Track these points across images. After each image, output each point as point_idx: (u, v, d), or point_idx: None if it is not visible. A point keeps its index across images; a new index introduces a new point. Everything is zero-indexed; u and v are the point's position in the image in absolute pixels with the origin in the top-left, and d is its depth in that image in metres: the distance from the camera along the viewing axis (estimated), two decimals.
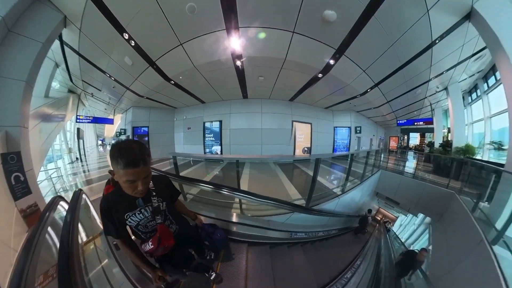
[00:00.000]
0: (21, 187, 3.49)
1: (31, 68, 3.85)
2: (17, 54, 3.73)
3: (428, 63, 7.06)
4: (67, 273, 1.10)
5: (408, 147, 19.04)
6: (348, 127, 14.89)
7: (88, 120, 12.61)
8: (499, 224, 3.48)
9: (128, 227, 1.40)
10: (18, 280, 1.03)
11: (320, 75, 7.63)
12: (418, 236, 10.25)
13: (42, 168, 7.18)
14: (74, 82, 9.31)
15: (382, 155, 10.94)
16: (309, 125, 13.66)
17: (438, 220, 6.27)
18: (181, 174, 5.72)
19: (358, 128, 15.05)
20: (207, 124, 13.27)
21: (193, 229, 2.03)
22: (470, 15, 4.82)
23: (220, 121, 12.81)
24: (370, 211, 9.04)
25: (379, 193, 9.47)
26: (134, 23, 4.98)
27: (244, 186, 6.50)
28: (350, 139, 14.93)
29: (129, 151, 1.08)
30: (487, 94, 9.49)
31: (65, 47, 6.19)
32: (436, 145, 11.32)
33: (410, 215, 12.62)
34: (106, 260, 2.17)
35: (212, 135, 13.21)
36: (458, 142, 8.69)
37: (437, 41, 5.71)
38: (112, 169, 1.16)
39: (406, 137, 19.90)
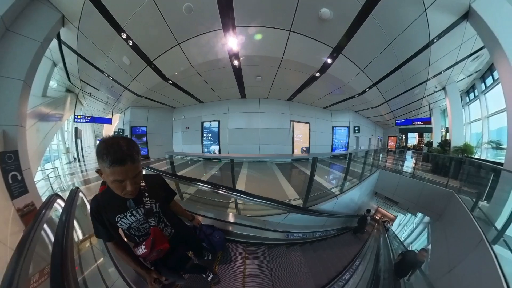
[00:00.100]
0: (18, 186, 3.49)
1: (29, 67, 3.87)
2: (15, 53, 3.75)
3: (426, 63, 7.08)
4: (59, 273, 1.08)
5: (407, 147, 19.08)
6: (347, 126, 14.89)
7: (86, 120, 12.56)
8: (498, 223, 3.47)
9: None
10: (10, 278, 1.02)
11: (317, 74, 7.63)
12: (417, 235, 10.28)
13: (39, 168, 7.17)
14: (72, 81, 9.27)
15: (381, 155, 10.97)
16: (308, 124, 13.65)
17: (437, 220, 6.27)
18: (178, 174, 5.70)
19: (356, 128, 15.07)
20: (206, 124, 13.25)
21: (190, 231, 1.96)
22: (467, 15, 4.83)
23: (218, 121, 12.79)
24: (369, 211, 9.05)
25: (378, 192, 9.48)
26: (131, 22, 4.99)
27: (241, 185, 6.52)
28: (348, 138, 14.93)
29: (116, 148, 0.99)
30: (484, 94, 9.55)
31: (63, 46, 6.18)
32: (435, 144, 11.35)
33: (409, 215, 12.66)
34: (102, 259, 2.15)
35: (210, 135, 13.19)
36: (456, 142, 8.74)
37: (435, 41, 5.72)
38: (100, 168, 1.05)
39: (404, 136, 19.93)
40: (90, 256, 2.16)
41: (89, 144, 21.65)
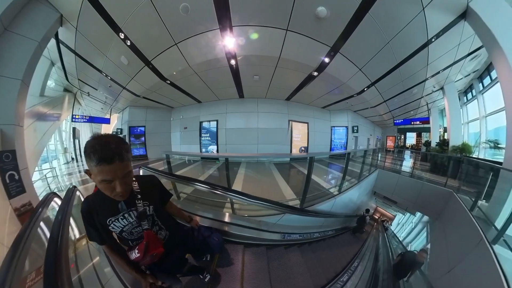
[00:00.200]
0: (15, 185, 3.49)
1: (26, 66, 3.88)
2: (13, 53, 3.76)
3: (424, 62, 7.10)
4: (53, 271, 1.06)
5: (405, 147, 19.12)
6: (345, 126, 14.87)
7: (84, 120, 12.51)
8: (498, 223, 3.47)
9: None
10: (3, 277, 1.01)
11: (315, 73, 7.61)
12: (416, 234, 10.28)
13: (36, 168, 7.14)
14: (70, 81, 9.24)
15: (380, 154, 10.98)
16: (306, 124, 13.64)
17: (436, 219, 6.27)
18: (176, 173, 5.67)
19: (355, 128, 15.04)
20: (204, 124, 13.23)
21: (187, 234, 1.88)
22: (465, 14, 4.84)
23: (217, 121, 12.77)
24: (368, 210, 9.07)
25: (376, 192, 9.49)
26: (129, 22, 4.99)
27: (238, 185, 6.52)
28: (347, 138, 14.91)
29: (103, 146, 0.95)
30: (482, 94, 9.60)
31: (61, 46, 6.17)
32: (433, 144, 11.39)
33: (407, 214, 12.68)
34: (98, 258, 2.14)
35: (208, 135, 13.18)
36: (455, 141, 8.77)
37: (433, 40, 5.73)
38: (88, 168, 1.01)
39: (403, 136, 19.97)
40: (86, 255, 2.15)
41: None
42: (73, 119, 11.73)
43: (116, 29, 5.19)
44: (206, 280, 2.19)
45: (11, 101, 3.63)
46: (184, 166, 10.80)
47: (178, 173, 7.73)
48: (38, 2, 4.10)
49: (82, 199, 3.11)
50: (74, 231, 2.29)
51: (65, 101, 10.29)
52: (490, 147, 8.22)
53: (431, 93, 10.75)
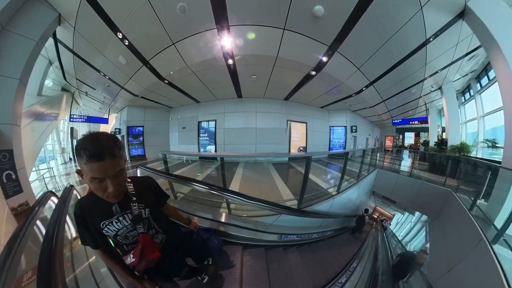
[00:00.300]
0: (12, 185, 3.48)
1: (24, 65, 3.88)
2: (10, 52, 3.76)
3: (422, 62, 7.11)
4: (47, 271, 1.05)
5: (404, 146, 19.16)
6: (344, 126, 14.88)
7: (82, 120, 12.44)
8: (498, 222, 3.46)
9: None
10: None
11: (313, 73, 7.62)
12: (415, 234, 10.31)
13: (34, 168, 7.10)
14: (68, 80, 9.20)
15: (378, 154, 11.00)
16: (304, 124, 13.66)
17: (435, 218, 6.26)
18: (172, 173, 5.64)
19: (354, 128, 15.06)
20: (202, 124, 13.24)
21: (185, 237, 1.80)
22: (463, 13, 4.86)
23: (215, 121, 12.77)
24: (367, 210, 9.06)
25: (375, 192, 9.49)
26: (127, 22, 5.01)
27: (235, 185, 6.49)
28: (346, 138, 14.93)
29: (94, 142, 0.91)
30: (480, 94, 9.65)
31: (59, 45, 6.15)
32: (431, 144, 11.41)
33: (406, 213, 12.71)
34: (94, 257, 2.12)
35: (206, 135, 13.18)
36: (453, 140, 8.81)
37: (431, 39, 5.74)
38: (79, 167, 0.95)
39: (401, 136, 20.00)
40: (82, 254, 2.13)
41: None
42: (71, 119, 11.70)
43: (114, 28, 5.20)
44: (204, 281, 2.12)
45: (8, 101, 3.62)
46: (182, 166, 10.78)
47: (176, 173, 7.70)
48: (36, 1, 4.10)
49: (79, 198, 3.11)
50: (71, 230, 2.28)
51: (63, 101, 10.23)
52: (488, 146, 8.24)
53: (429, 93, 10.78)
